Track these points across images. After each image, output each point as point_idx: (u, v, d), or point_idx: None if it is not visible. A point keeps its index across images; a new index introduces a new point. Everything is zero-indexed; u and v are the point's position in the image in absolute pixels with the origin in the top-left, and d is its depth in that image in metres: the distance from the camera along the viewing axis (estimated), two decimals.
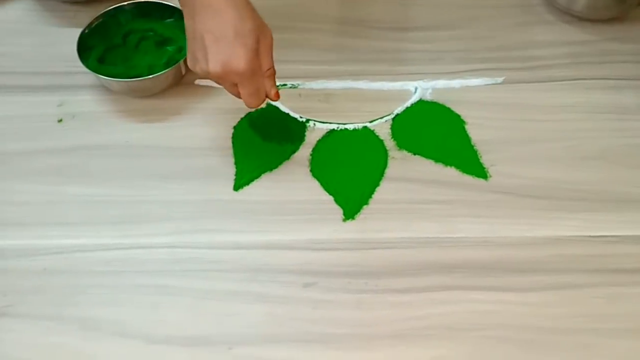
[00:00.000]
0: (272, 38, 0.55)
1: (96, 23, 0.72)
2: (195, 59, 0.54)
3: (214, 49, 0.52)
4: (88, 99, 0.71)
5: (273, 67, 0.56)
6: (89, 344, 0.54)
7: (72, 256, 0.59)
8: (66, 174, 0.65)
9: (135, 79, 0.68)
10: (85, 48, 0.71)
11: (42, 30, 0.78)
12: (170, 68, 0.68)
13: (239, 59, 0.52)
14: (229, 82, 0.55)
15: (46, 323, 0.56)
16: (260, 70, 0.54)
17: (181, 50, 0.72)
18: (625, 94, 0.69)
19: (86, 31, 0.71)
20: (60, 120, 0.70)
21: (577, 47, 0.73)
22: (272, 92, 0.56)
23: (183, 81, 0.72)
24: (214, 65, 0.53)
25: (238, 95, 0.57)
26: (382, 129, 0.67)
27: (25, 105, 0.71)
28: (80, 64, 0.69)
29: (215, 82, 0.57)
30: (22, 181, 0.65)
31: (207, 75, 0.54)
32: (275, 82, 0.57)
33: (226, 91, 0.57)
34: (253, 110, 0.69)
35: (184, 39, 0.72)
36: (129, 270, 0.58)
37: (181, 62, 0.69)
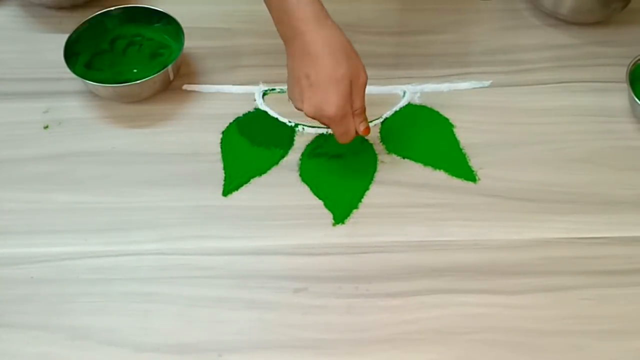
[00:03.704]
0: (366, 78, 0.57)
1: (83, 28, 0.72)
2: (293, 94, 0.58)
3: (309, 93, 0.56)
4: (74, 105, 0.71)
5: (363, 106, 0.58)
6: (77, 353, 0.54)
7: (59, 264, 0.59)
8: (53, 181, 0.65)
9: (123, 84, 0.67)
10: (72, 53, 0.70)
11: (28, 37, 0.78)
12: (157, 73, 0.68)
13: (330, 106, 0.55)
14: (321, 122, 0.58)
15: (34, 332, 0.55)
16: (350, 112, 0.57)
17: (170, 55, 0.72)
18: (610, 97, 0.69)
19: (73, 37, 0.71)
20: (46, 127, 0.69)
21: (563, 50, 0.74)
22: (361, 129, 0.58)
23: (171, 86, 0.71)
24: (307, 108, 0.56)
25: None
26: (371, 133, 0.66)
27: (10, 112, 0.70)
28: (66, 70, 0.68)
29: None
30: (8, 189, 0.64)
31: (300, 110, 0.58)
32: (365, 118, 0.58)
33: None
34: (241, 115, 0.69)
35: (172, 43, 0.72)
36: (117, 278, 0.58)
37: (169, 67, 0.69)
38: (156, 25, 0.73)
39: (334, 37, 0.55)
